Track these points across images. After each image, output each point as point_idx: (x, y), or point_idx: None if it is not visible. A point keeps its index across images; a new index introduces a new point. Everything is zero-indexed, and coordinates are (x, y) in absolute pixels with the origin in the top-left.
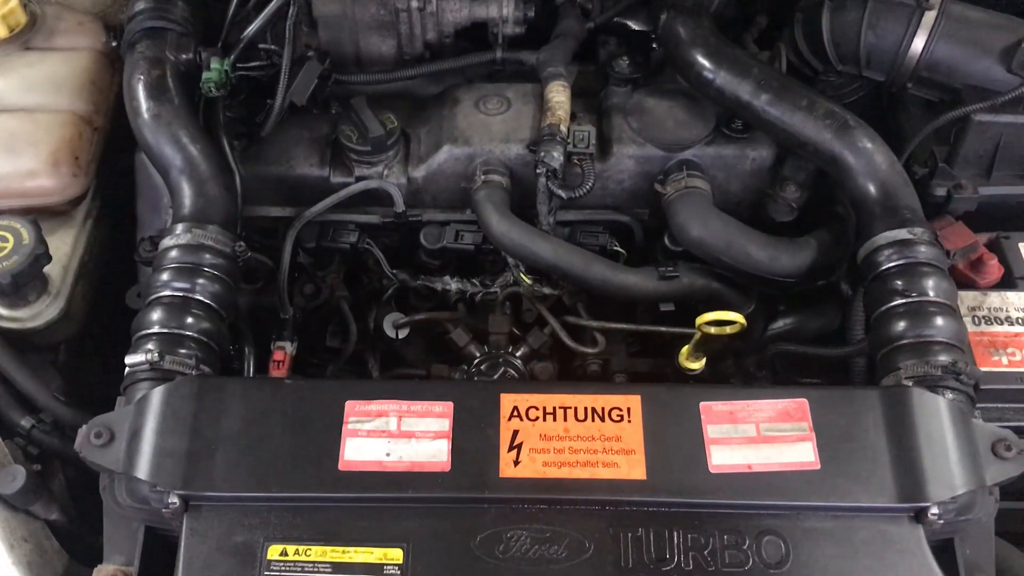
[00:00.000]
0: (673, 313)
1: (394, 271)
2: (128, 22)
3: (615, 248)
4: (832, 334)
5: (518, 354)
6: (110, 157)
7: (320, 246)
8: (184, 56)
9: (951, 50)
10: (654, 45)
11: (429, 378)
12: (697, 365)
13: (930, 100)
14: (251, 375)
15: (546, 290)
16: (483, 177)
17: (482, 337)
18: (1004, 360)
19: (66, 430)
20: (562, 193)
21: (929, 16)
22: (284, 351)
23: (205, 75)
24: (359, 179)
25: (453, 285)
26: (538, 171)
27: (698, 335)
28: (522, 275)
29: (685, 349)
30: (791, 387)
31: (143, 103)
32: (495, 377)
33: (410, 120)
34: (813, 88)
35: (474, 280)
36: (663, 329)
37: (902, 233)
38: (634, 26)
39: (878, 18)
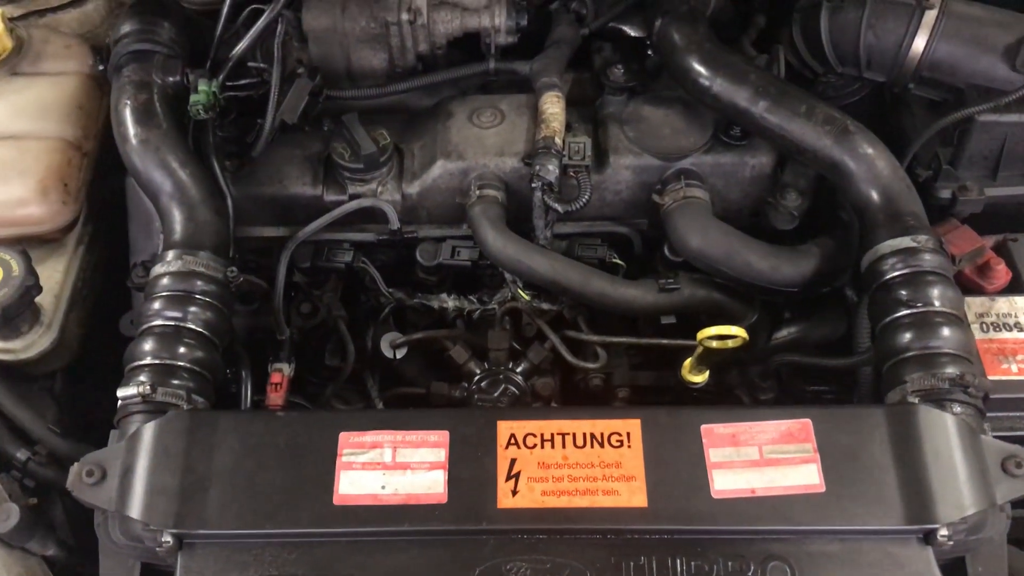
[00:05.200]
0: (676, 323)
1: (391, 289)
2: (115, 45)
3: (614, 260)
4: (839, 340)
5: (519, 370)
6: (100, 181)
7: (315, 266)
8: (171, 79)
9: (953, 49)
10: (649, 52)
11: (429, 396)
12: (700, 378)
13: (933, 100)
14: (248, 398)
15: (545, 305)
16: (478, 192)
17: (482, 354)
18: (1014, 368)
19: (63, 461)
20: (558, 207)
21: (930, 15)
22: (281, 373)
23: (193, 98)
24: (352, 197)
25: (450, 303)
26: (533, 185)
27: (700, 349)
28: (520, 291)
29: (688, 363)
30: (794, 407)
31: (131, 128)
32: (496, 394)
33: (403, 135)
34: (812, 92)
35: (471, 297)
36: (665, 342)
37: (906, 241)
38: (629, 32)
39: (878, 18)
